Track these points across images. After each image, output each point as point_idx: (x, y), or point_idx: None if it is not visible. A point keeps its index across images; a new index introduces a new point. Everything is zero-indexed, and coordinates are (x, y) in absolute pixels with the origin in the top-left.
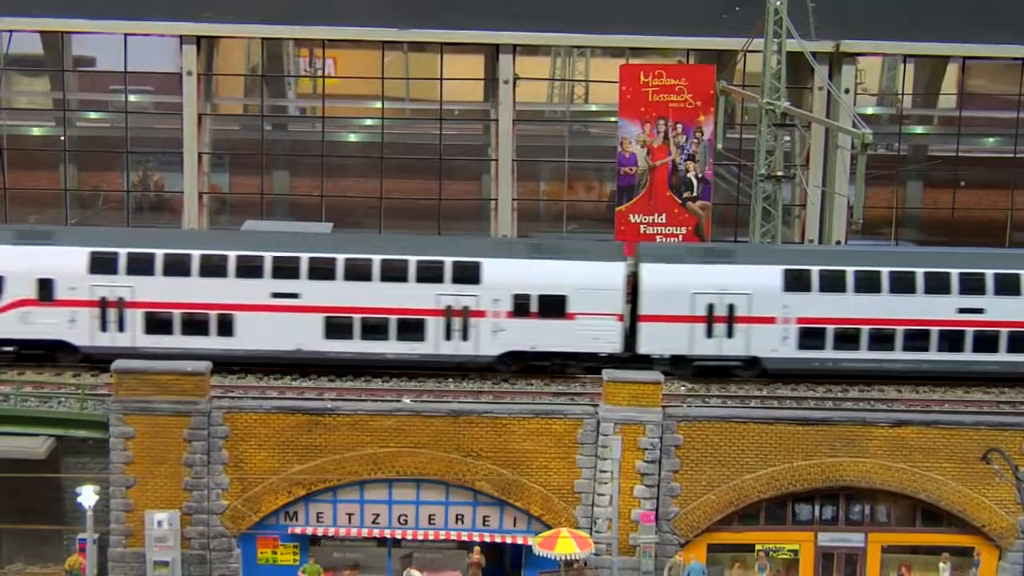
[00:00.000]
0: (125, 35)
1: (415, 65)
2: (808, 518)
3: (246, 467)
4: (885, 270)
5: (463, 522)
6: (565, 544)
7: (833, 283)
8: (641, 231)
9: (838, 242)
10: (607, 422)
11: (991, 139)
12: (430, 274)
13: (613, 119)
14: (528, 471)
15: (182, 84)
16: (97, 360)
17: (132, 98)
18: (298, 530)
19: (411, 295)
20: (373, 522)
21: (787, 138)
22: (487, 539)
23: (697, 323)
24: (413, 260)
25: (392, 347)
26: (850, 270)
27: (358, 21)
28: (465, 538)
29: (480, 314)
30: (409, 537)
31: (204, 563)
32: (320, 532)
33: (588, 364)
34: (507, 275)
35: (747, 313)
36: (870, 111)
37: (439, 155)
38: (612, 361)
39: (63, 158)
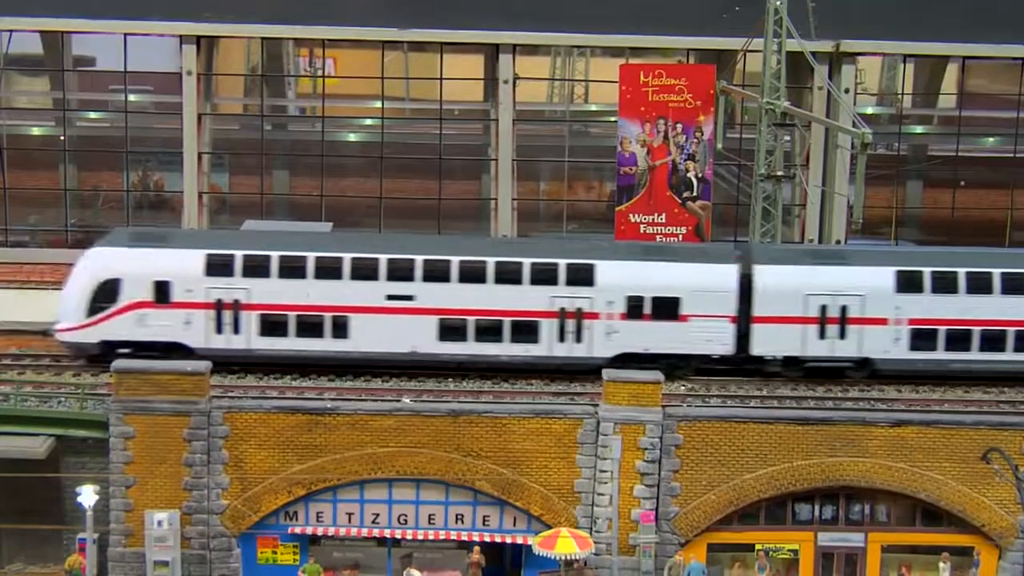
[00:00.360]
0: (125, 35)
1: (415, 65)
2: (808, 518)
3: (246, 467)
4: (997, 271)
5: (463, 522)
6: (565, 544)
7: (945, 284)
8: (641, 231)
9: (838, 242)
10: (607, 422)
11: (991, 139)
12: (544, 276)
13: (613, 119)
14: (528, 471)
15: (182, 84)
16: (218, 362)
17: (132, 98)
18: (298, 530)
19: (525, 297)
20: (373, 522)
21: (787, 138)
22: (487, 539)
23: (810, 324)
24: (527, 262)
25: (506, 349)
26: (962, 271)
27: (358, 21)
28: (465, 538)
29: (594, 316)
30: (409, 537)
31: (204, 563)
32: (320, 532)
33: (700, 366)
34: (621, 277)
35: (860, 314)
36: (870, 111)
37: (439, 155)
38: (724, 363)
39: (63, 158)
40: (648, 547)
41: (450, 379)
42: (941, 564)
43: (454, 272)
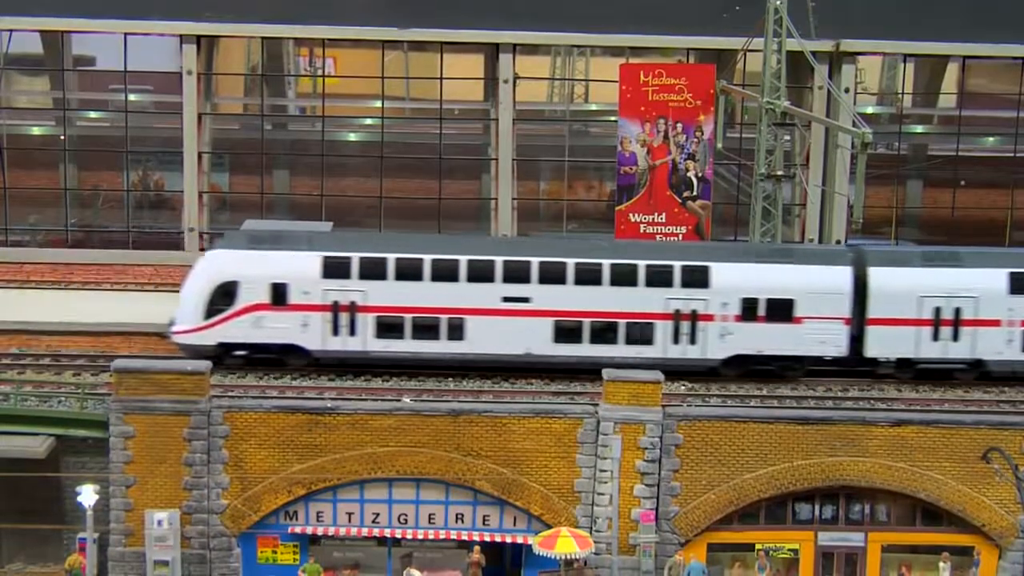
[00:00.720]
0: (125, 35)
1: (415, 65)
2: (808, 517)
3: (246, 466)
4: None
5: (463, 521)
6: (565, 543)
7: None
8: (641, 230)
9: (838, 241)
10: (607, 421)
11: (991, 139)
12: (659, 278)
13: (613, 118)
14: (528, 470)
15: (182, 83)
16: (327, 364)
17: (132, 97)
18: (298, 529)
19: (640, 299)
20: (373, 521)
21: (787, 137)
22: (487, 538)
23: (924, 326)
24: (643, 264)
25: (621, 351)
26: None
27: (358, 21)
28: (465, 537)
29: (708, 318)
30: (409, 536)
31: (204, 562)
32: (320, 531)
33: (812, 368)
34: (735, 279)
35: (973, 316)
36: (870, 110)
37: (439, 155)
38: (837, 364)
39: (63, 157)
40: (648, 547)
41: (450, 379)
42: (941, 564)
43: (570, 274)
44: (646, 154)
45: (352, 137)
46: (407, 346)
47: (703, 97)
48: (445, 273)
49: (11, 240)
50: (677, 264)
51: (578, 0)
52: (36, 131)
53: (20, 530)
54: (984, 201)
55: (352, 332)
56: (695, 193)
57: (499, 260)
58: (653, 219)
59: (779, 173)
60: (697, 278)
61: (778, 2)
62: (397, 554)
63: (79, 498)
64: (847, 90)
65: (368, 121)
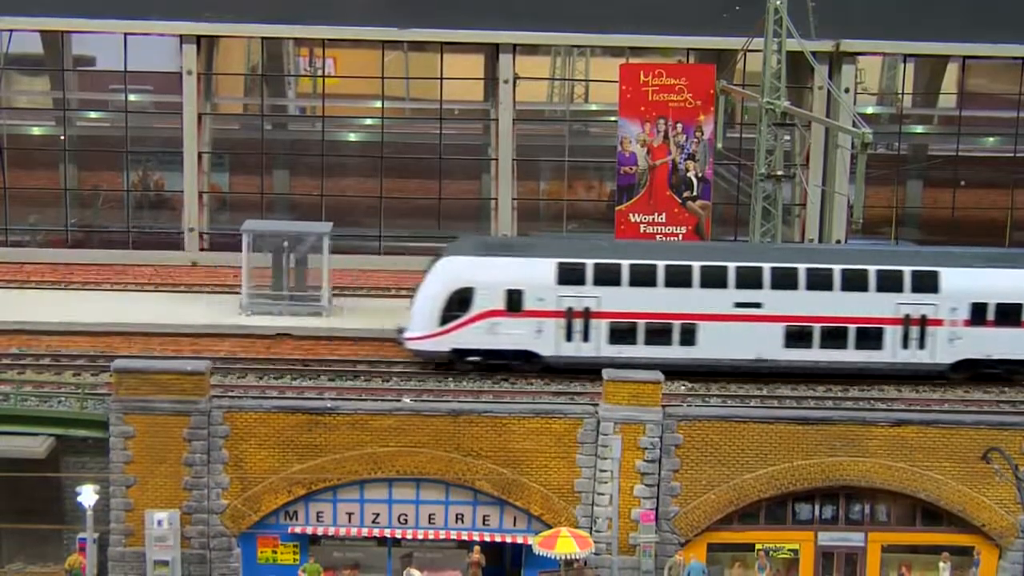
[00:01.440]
0: (125, 35)
1: (415, 65)
2: (808, 517)
3: (246, 466)
4: None
5: (463, 521)
6: (565, 543)
7: None
8: (641, 231)
9: (838, 241)
10: (607, 421)
11: (991, 139)
12: (890, 284)
13: (613, 119)
14: (528, 470)
15: (182, 84)
16: (559, 370)
17: (132, 98)
18: (298, 529)
19: (870, 304)
20: (373, 521)
21: (787, 138)
22: (487, 538)
23: None
24: (873, 270)
25: (850, 355)
26: None
27: (358, 21)
28: (465, 537)
29: (937, 323)
30: (409, 536)
31: (204, 562)
32: (320, 531)
33: None
34: (965, 284)
35: None
36: (870, 111)
37: (439, 155)
38: None
39: (63, 158)
40: (648, 547)
41: (450, 379)
42: (941, 564)
43: (801, 280)
44: (646, 154)
45: (352, 137)
46: (640, 351)
47: (703, 97)
48: (678, 279)
49: (11, 240)
50: (907, 270)
51: (578, 0)
52: (36, 131)
53: (20, 530)
54: (984, 201)
55: (585, 338)
56: (695, 193)
57: (732, 266)
58: (653, 219)
59: (779, 173)
60: (927, 283)
61: (778, 2)
62: (397, 554)
63: (79, 498)
64: (847, 90)
65: (368, 121)
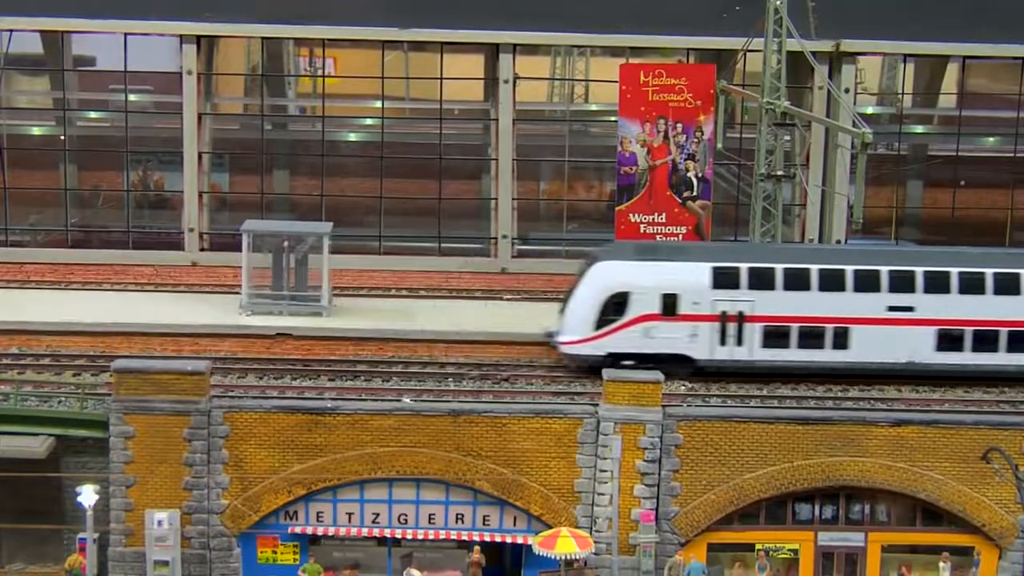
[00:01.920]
0: (125, 35)
1: (415, 65)
2: (808, 517)
3: (246, 466)
4: None
5: (463, 521)
6: (565, 543)
7: None
8: (641, 231)
9: (838, 241)
10: (607, 421)
11: (991, 139)
12: None
13: (613, 119)
14: (528, 470)
15: (182, 84)
16: (711, 373)
17: (132, 98)
18: (298, 529)
19: (1021, 307)
20: (373, 521)
21: (787, 138)
22: (487, 538)
23: None
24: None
25: (1002, 359)
26: None
27: (358, 21)
28: (465, 537)
29: None
30: (409, 536)
31: (204, 562)
32: (320, 531)
33: None
34: None
35: None
36: (870, 111)
37: (439, 155)
38: None
39: (63, 158)
40: (648, 547)
41: (450, 379)
42: (941, 564)
43: (953, 283)
44: (646, 154)
45: (352, 137)
46: (792, 355)
47: (703, 97)
48: (832, 283)
49: (11, 240)
50: None
51: (578, 0)
52: (36, 131)
53: (20, 530)
54: (984, 201)
55: (739, 341)
56: (695, 193)
57: (884, 270)
58: (653, 219)
59: (779, 173)
60: None
61: (778, 2)
62: (397, 554)
63: (79, 498)
64: (847, 90)
65: (368, 121)
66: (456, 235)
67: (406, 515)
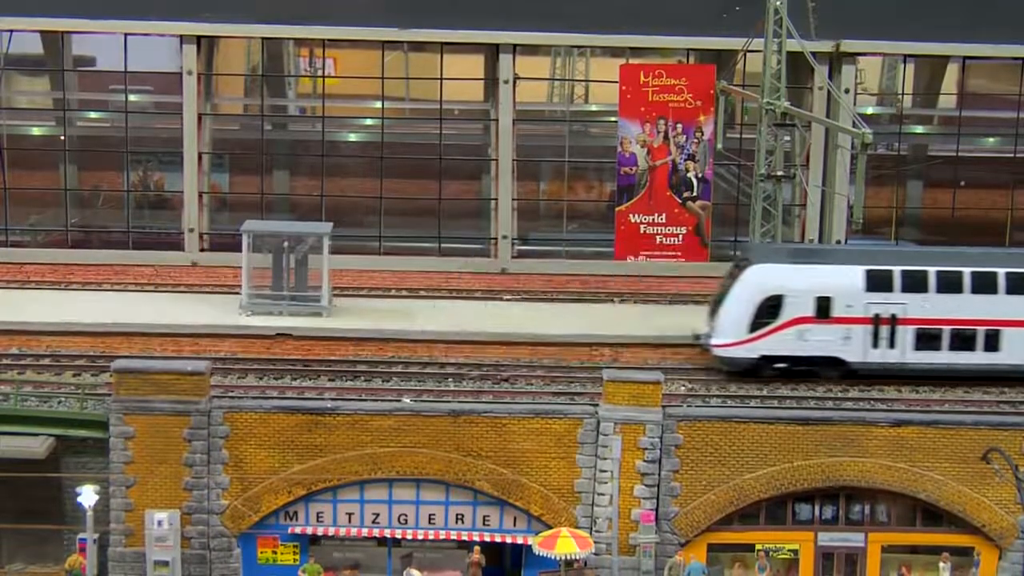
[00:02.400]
0: (125, 35)
1: (415, 65)
2: (808, 518)
3: (246, 467)
4: None
5: (463, 522)
6: (565, 544)
7: None
8: (641, 231)
9: (838, 241)
10: (607, 422)
11: (991, 139)
12: None
13: (613, 119)
14: (528, 471)
15: (182, 84)
16: (863, 376)
17: (132, 98)
18: (298, 530)
19: None
20: (373, 522)
21: (787, 138)
22: (487, 539)
23: None
24: None
25: None
26: None
27: (358, 21)
28: (465, 538)
29: None
30: (409, 537)
31: (204, 563)
32: (320, 532)
33: None
34: None
35: None
36: (870, 111)
37: (439, 155)
38: None
39: (63, 158)
40: (648, 547)
41: (450, 379)
42: (941, 564)
43: None
44: (646, 154)
45: (352, 137)
46: (944, 357)
47: (703, 97)
48: (984, 285)
49: (11, 240)
50: None
51: (578, 0)
52: (36, 131)
53: (20, 530)
54: (984, 201)
55: (891, 344)
56: (695, 193)
57: None
58: (653, 219)
59: (779, 173)
60: None
61: (778, 2)
62: (397, 554)
63: (79, 498)
64: (847, 90)
65: (368, 121)
66: (456, 235)
67: (406, 515)
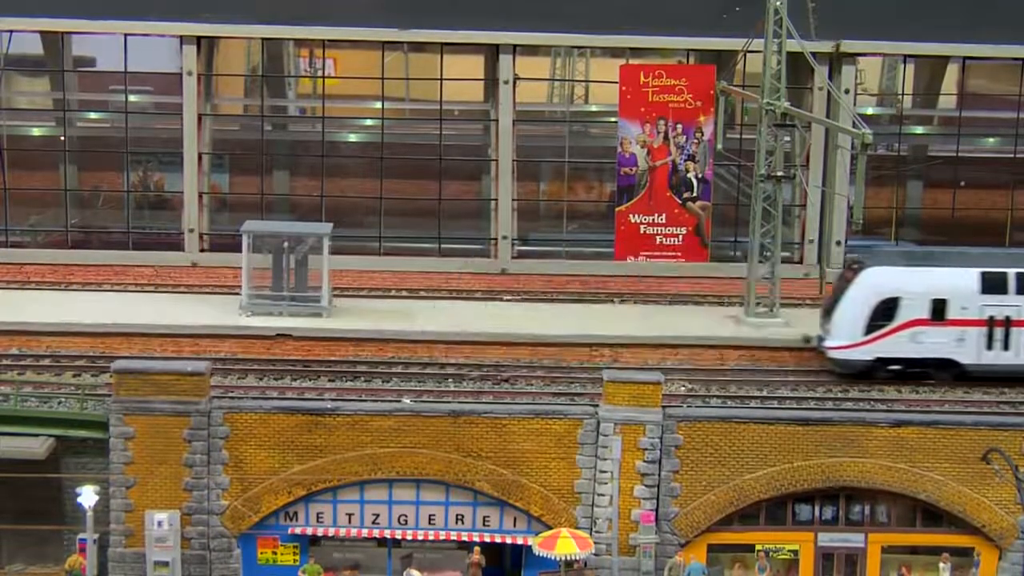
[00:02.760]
0: (125, 35)
1: (415, 65)
2: (808, 518)
3: (246, 467)
4: None
5: (463, 522)
6: (565, 544)
7: None
8: (641, 231)
9: (838, 242)
10: (607, 422)
11: (991, 139)
12: None
13: (613, 119)
14: (528, 471)
15: (182, 84)
16: (977, 377)
17: (132, 98)
18: (298, 530)
19: None
20: (373, 522)
21: (787, 138)
22: (487, 539)
23: None
24: None
25: None
26: None
27: (358, 21)
28: (465, 538)
29: None
30: (409, 537)
31: (204, 563)
32: (320, 532)
33: None
34: None
35: None
36: (870, 111)
37: (439, 155)
38: None
39: (63, 158)
40: (648, 547)
41: (450, 379)
42: (941, 564)
43: None
44: (646, 155)
45: (352, 138)
46: None
47: (703, 98)
48: None
49: (11, 241)
50: None
51: (578, 0)
52: (36, 132)
53: (20, 531)
54: (984, 201)
55: (1005, 346)
56: (695, 194)
57: None
58: (653, 220)
59: (779, 174)
60: None
61: (778, 3)
62: (397, 555)
63: (79, 499)
64: (847, 91)
65: (368, 122)
66: (456, 236)
67: (406, 516)
